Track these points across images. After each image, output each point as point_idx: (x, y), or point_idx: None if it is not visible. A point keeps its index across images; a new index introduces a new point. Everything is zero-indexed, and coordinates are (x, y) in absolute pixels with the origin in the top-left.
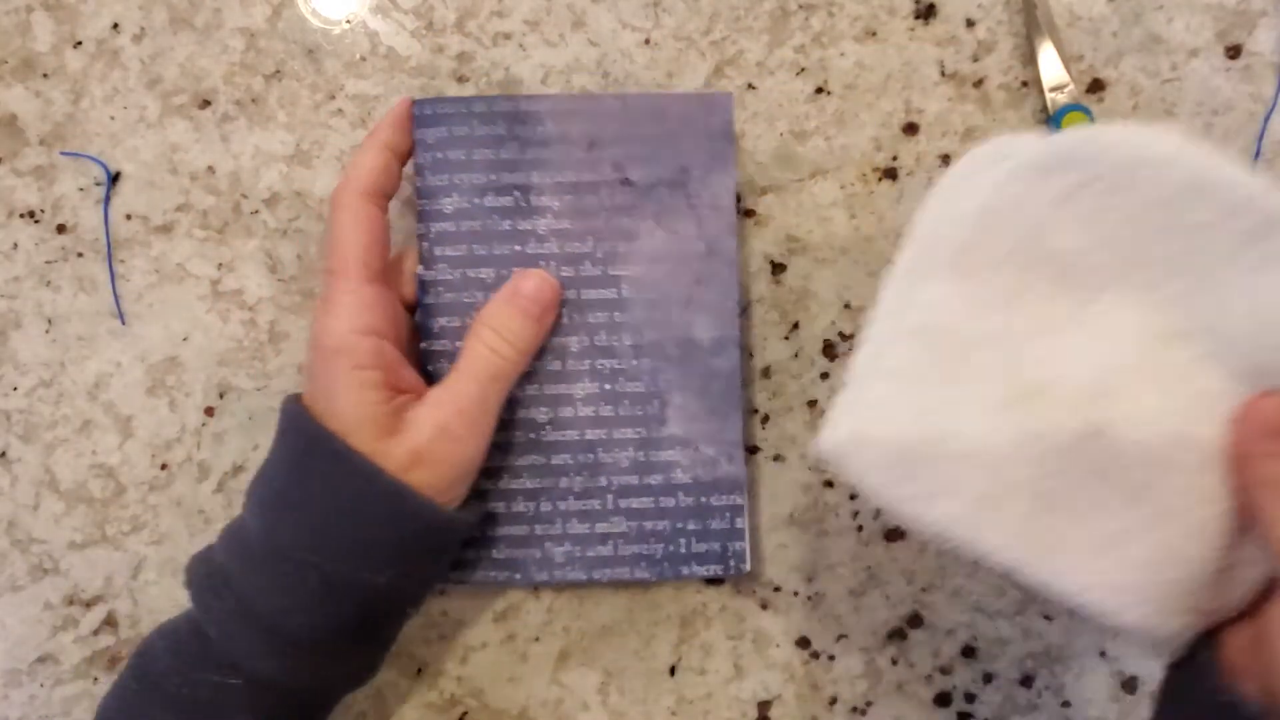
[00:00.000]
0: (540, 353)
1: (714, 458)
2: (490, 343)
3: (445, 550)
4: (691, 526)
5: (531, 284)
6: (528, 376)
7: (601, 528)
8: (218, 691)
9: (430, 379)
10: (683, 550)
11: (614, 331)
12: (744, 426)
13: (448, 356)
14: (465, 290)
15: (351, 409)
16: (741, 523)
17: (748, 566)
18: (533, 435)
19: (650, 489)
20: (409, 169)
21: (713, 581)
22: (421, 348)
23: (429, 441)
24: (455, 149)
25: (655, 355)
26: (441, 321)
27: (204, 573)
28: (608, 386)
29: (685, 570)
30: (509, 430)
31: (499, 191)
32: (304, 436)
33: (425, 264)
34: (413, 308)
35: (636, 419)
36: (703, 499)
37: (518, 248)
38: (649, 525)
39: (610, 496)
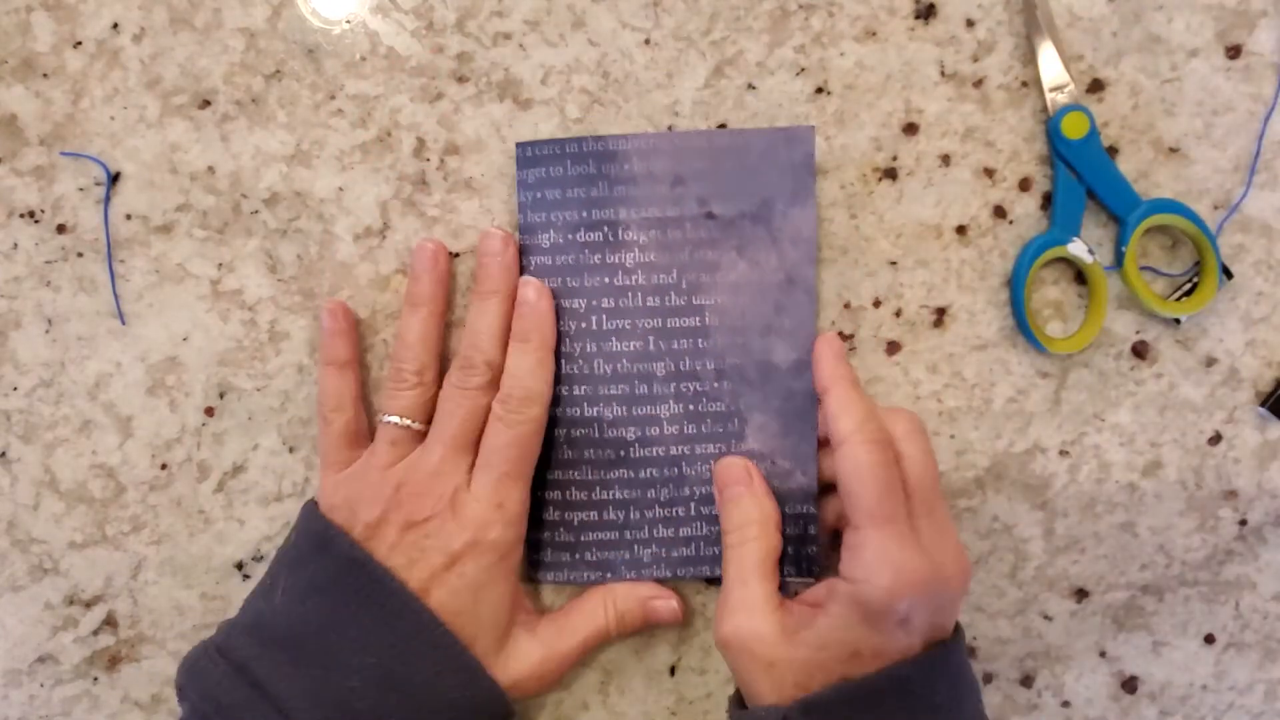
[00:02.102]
0: (628, 378)
1: (790, 470)
2: (609, 613)
3: None
4: None
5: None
6: (617, 399)
7: (685, 532)
8: None
9: None
10: None
11: (697, 357)
12: (817, 441)
13: None
14: (560, 320)
15: (491, 615)
16: (814, 529)
17: (819, 569)
18: (622, 453)
19: None
20: (513, 208)
21: (713, 581)
22: None
23: (526, 680)
24: (552, 188)
25: (736, 379)
26: None
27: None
28: (691, 407)
29: None
30: (600, 448)
31: (590, 227)
32: (414, 620)
33: None
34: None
35: (717, 435)
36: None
37: (607, 280)
38: None
39: (693, 504)
